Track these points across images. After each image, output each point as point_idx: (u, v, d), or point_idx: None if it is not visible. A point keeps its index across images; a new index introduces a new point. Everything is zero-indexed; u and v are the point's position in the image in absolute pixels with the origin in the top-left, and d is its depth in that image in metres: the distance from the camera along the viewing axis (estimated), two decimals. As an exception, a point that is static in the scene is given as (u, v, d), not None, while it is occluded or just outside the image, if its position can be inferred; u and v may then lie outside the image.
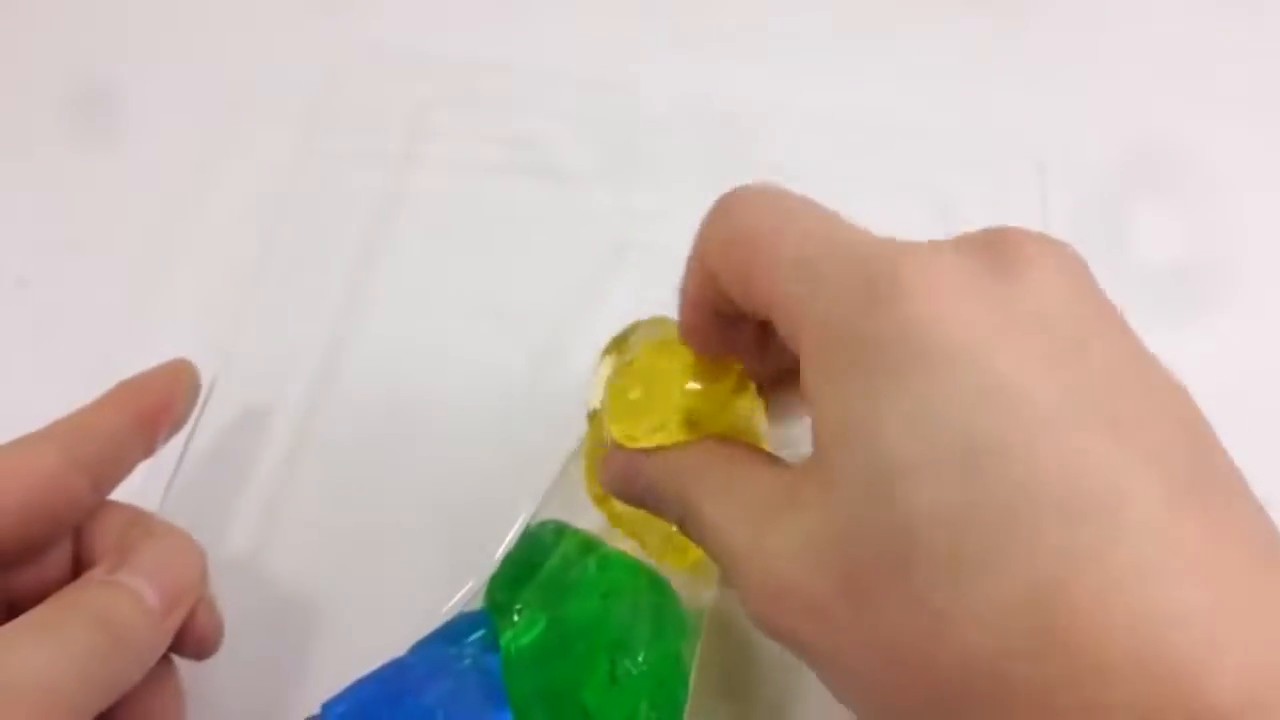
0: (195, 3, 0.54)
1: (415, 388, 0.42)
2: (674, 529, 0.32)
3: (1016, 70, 0.51)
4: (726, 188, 0.44)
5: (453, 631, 0.33)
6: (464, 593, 0.36)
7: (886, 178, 0.45)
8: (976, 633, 0.20)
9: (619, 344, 0.35)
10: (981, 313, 0.22)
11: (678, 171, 0.46)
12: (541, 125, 0.48)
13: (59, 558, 0.31)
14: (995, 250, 0.24)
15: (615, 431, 0.31)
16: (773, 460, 0.28)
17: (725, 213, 0.28)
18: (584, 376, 0.36)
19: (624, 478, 0.31)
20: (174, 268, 0.45)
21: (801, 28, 0.52)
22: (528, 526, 0.36)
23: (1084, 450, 0.21)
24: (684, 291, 0.31)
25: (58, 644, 0.26)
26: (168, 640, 0.29)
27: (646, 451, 0.30)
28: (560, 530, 0.34)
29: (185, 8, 0.53)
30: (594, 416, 0.35)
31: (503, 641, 0.32)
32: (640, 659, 0.31)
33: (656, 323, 0.35)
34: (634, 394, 0.31)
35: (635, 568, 0.33)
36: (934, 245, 0.24)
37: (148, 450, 0.32)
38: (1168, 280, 0.45)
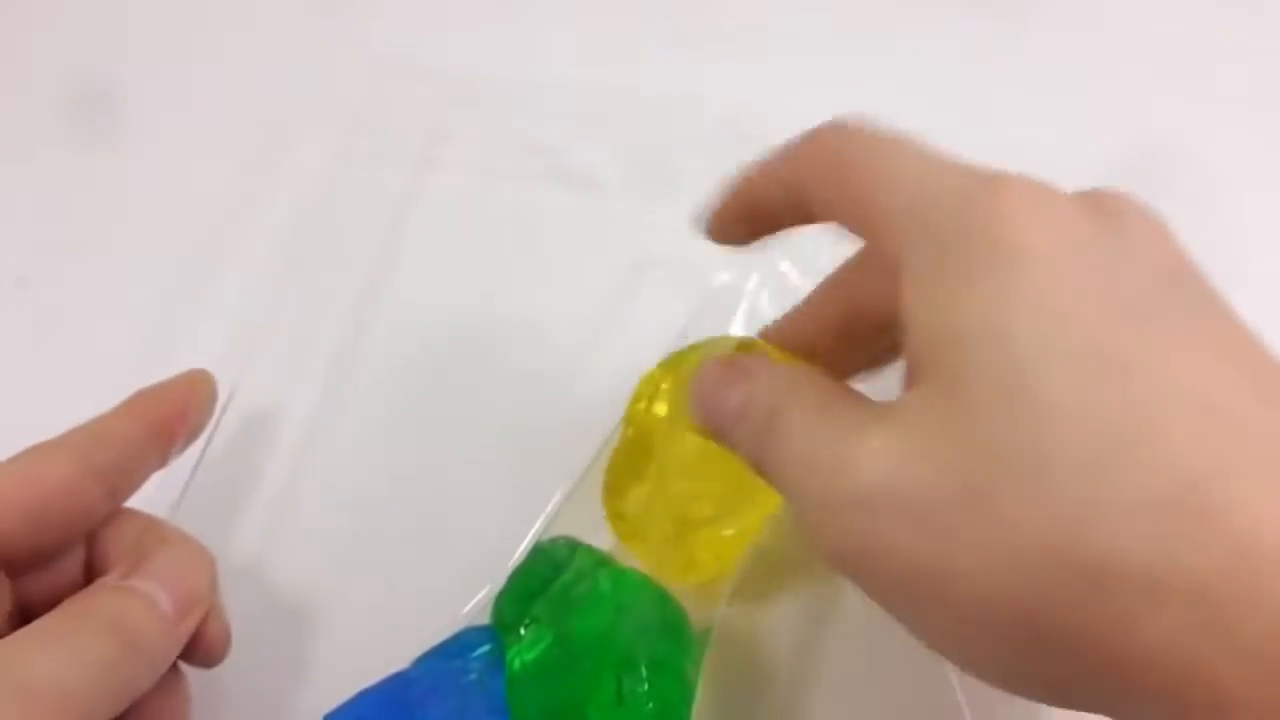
0: (195, 3, 0.53)
1: (430, 396, 0.42)
2: (683, 548, 0.33)
3: (1016, 70, 0.51)
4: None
5: (458, 645, 0.33)
6: (476, 601, 0.36)
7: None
8: (1126, 524, 0.20)
9: (678, 363, 0.35)
10: (1088, 232, 0.23)
11: (694, 179, 0.46)
12: (555, 132, 0.48)
13: (72, 563, 0.31)
14: (1088, 196, 0.25)
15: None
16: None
17: (830, 133, 0.28)
18: (601, 385, 0.38)
19: (722, 384, 0.28)
20: (173, 269, 0.45)
21: (800, 30, 0.52)
22: (538, 542, 0.35)
23: (1207, 366, 0.22)
24: (740, 182, 0.31)
25: (73, 650, 0.27)
26: (180, 646, 0.30)
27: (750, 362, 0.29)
28: (572, 546, 0.34)
29: (185, 8, 0.53)
30: (627, 429, 0.35)
31: (508, 657, 0.32)
32: (647, 678, 0.31)
33: (719, 342, 0.35)
34: None
35: (646, 585, 0.33)
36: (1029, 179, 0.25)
37: (163, 460, 0.33)
38: None
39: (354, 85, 0.48)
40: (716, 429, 0.28)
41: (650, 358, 0.35)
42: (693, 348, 0.35)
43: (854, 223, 0.27)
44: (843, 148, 0.27)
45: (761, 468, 0.27)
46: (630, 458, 0.35)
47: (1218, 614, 0.19)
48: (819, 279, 0.36)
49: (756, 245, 0.31)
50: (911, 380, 0.24)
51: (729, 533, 0.34)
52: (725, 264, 0.43)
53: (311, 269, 0.44)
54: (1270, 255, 0.46)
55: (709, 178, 0.44)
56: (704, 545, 0.34)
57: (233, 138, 0.48)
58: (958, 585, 0.22)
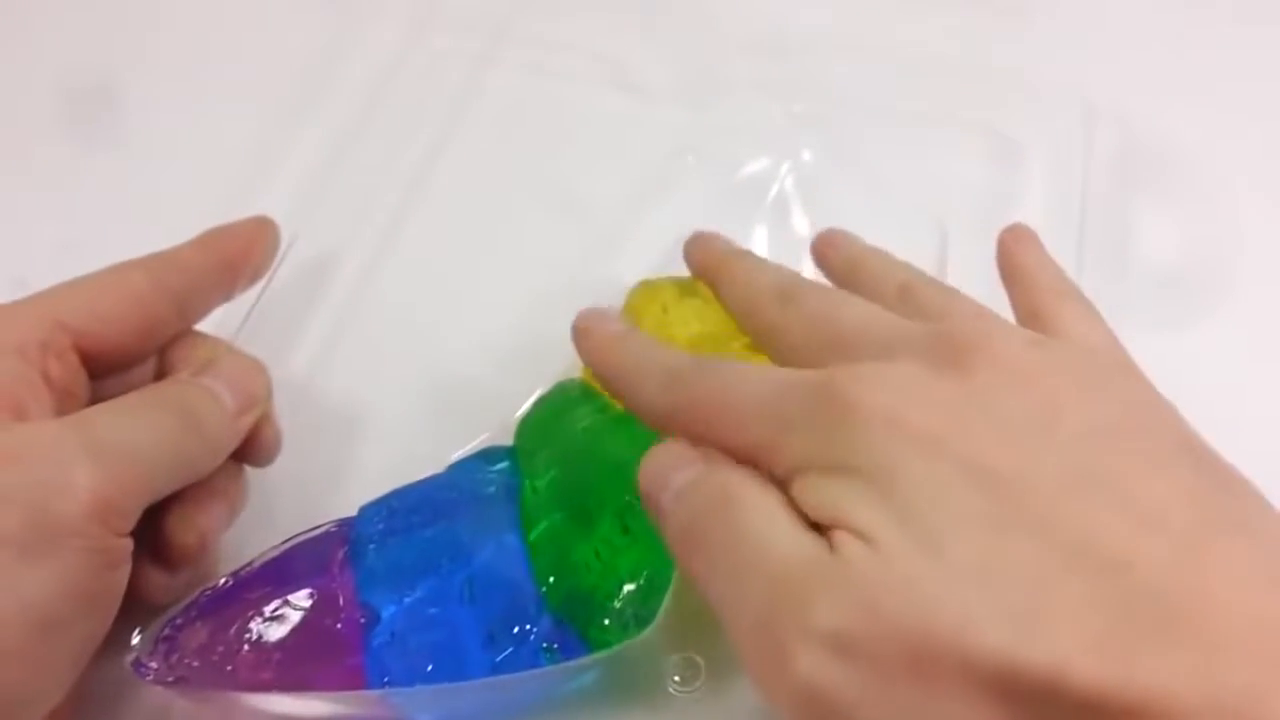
0: (196, 3, 0.55)
1: (478, 254, 0.46)
2: None
3: (1015, 69, 0.50)
4: (788, 111, 0.48)
5: (481, 459, 0.37)
6: (502, 423, 0.39)
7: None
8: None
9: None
10: (945, 400, 0.25)
11: (743, 90, 0.49)
12: (609, 39, 0.51)
13: (143, 374, 0.35)
14: (945, 348, 0.26)
15: None
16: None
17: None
18: (637, 254, 0.42)
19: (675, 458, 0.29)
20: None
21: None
22: (560, 381, 0.38)
23: (1087, 515, 0.23)
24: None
25: (143, 419, 0.31)
26: (238, 439, 0.34)
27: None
28: (587, 389, 0.37)
29: (186, 8, 0.55)
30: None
31: (521, 481, 0.35)
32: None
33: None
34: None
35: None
36: (877, 362, 0.26)
37: (228, 293, 0.37)
38: (1167, 280, 0.45)
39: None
40: (652, 501, 0.29)
41: (681, 235, 0.38)
42: (639, 289, 0.40)
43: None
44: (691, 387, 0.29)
45: (691, 553, 0.27)
46: None
47: None
48: (839, 166, 0.43)
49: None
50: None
51: None
52: (755, 155, 0.46)
53: (370, 154, 0.47)
54: (1268, 255, 0.46)
55: (769, 97, 0.48)
56: None
57: (232, 139, 0.49)
58: None
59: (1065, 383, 0.25)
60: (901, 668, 0.22)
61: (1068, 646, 0.21)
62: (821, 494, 0.25)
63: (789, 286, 0.31)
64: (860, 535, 0.23)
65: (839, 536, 0.24)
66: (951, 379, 0.25)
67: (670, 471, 0.28)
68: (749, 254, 0.35)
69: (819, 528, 0.25)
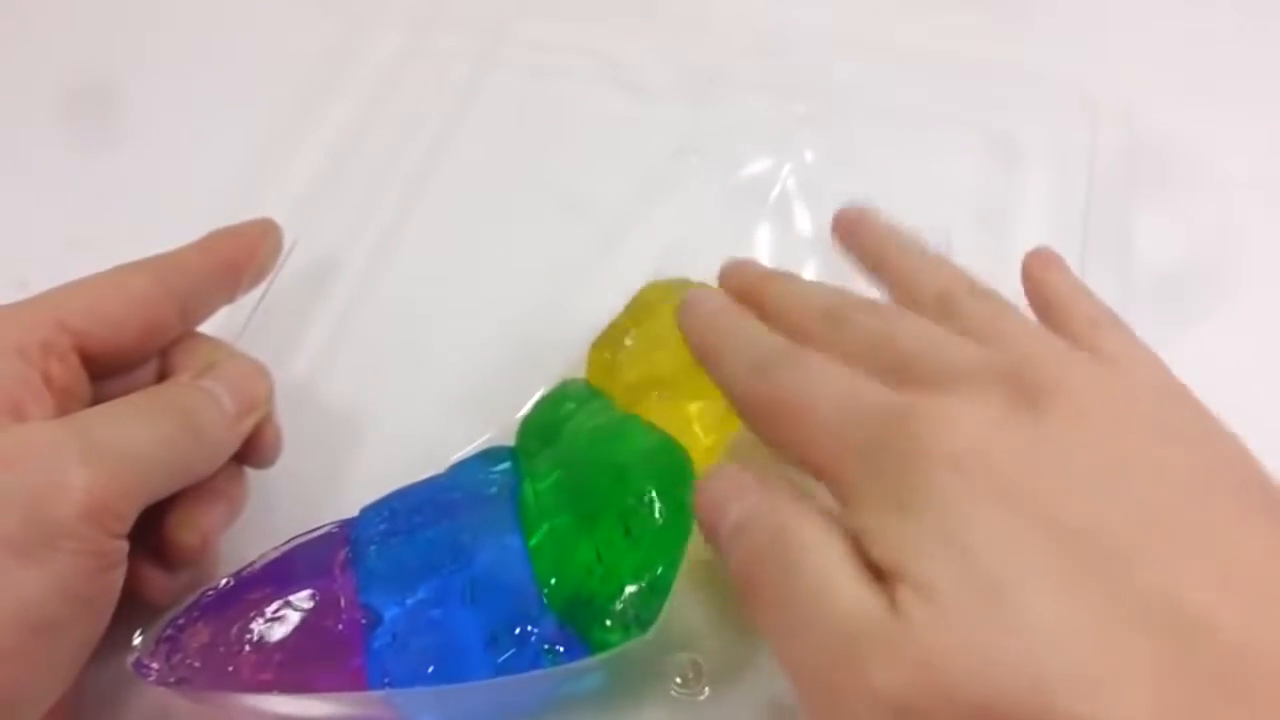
0: (196, 3, 0.55)
1: (476, 256, 0.46)
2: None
3: (1016, 68, 0.50)
4: (790, 111, 0.48)
5: (483, 460, 0.37)
6: (502, 426, 0.39)
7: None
8: None
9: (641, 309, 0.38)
10: (1019, 447, 0.24)
11: (744, 90, 0.50)
12: (611, 40, 0.52)
13: (145, 376, 0.35)
14: (1016, 385, 0.25)
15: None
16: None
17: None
18: (637, 255, 0.41)
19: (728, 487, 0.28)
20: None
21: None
22: (562, 381, 0.39)
23: (1162, 570, 0.22)
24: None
25: (140, 422, 0.31)
26: (238, 442, 0.34)
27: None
28: (592, 390, 0.38)
29: (186, 8, 0.54)
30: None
31: (521, 483, 0.35)
32: (651, 504, 0.33)
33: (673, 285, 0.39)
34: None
35: (651, 428, 0.35)
36: (949, 397, 0.25)
37: (231, 294, 0.37)
38: (1169, 279, 0.46)
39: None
40: (710, 530, 0.28)
41: (682, 235, 0.39)
42: (652, 287, 0.39)
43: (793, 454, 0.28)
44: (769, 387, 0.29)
45: (750, 593, 0.26)
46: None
47: None
48: (841, 166, 0.42)
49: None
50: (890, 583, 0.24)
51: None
52: (756, 155, 0.46)
53: (371, 154, 0.48)
54: (1271, 254, 0.46)
55: (753, 86, 0.48)
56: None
57: (233, 137, 0.49)
58: None
59: (1135, 425, 0.25)
60: None
61: (1141, 713, 0.20)
62: (885, 538, 0.24)
63: (835, 305, 0.30)
64: (922, 590, 0.22)
65: (900, 592, 0.23)
66: (1024, 423, 0.24)
67: (728, 501, 0.27)
68: (789, 273, 0.34)
69: (880, 573, 0.24)
